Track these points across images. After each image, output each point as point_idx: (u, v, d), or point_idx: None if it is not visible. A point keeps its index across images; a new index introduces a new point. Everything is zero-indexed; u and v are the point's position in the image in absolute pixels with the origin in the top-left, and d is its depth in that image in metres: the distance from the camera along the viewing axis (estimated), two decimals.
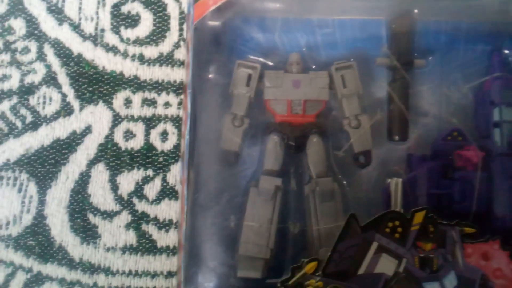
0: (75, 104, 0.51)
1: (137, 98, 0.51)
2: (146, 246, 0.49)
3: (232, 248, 0.41)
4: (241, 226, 0.41)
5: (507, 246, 0.37)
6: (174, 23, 0.52)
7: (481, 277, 0.37)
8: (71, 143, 0.51)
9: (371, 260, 0.37)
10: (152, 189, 0.50)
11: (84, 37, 0.52)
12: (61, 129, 0.51)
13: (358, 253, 0.37)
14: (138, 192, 0.50)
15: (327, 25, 0.47)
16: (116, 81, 0.52)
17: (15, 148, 0.51)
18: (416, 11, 0.45)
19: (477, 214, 0.40)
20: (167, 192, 0.50)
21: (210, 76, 0.44)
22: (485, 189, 0.40)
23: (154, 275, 0.49)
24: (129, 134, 0.51)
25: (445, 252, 0.37)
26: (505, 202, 0.40)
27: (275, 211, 0.42)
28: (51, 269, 0.49)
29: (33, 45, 0.52)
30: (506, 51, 0.45)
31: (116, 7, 0.52)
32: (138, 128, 0.51)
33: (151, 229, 0.50)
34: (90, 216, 0.50)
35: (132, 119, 0.51)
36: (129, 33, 0.52)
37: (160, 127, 0.51)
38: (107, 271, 0.49)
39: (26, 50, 0.52)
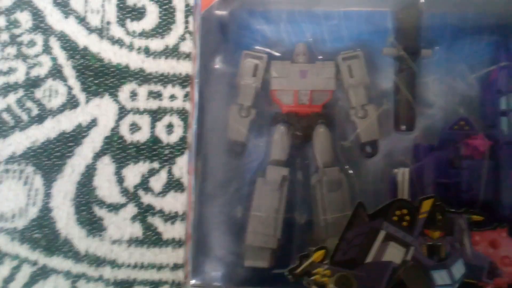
0: (81, 97, 0.52)
1: (142, 91, 0.51)
2: (152, 238, 0.49)
3: (240, 237, 0.41)
4: (248, 216, 0.42)
5: None
6: (179, 16, 0.52)
7: (489, 265, 0.37)
8: (77, 136, 0.51)
9: (379, 248, 0.37)
10: (158, 182, 0.50)
11: (90, 30, 0.52)
12: (67, 122, 0.51)
13: (365, 241, 0.37)
14: (144, 184, 0.50)
15: (333, 17, 0.47)
16: (122, 74, 0.52)
17: (21, 141, 0.51)
18: (422, 1, 0.45)
19: (484, 203, 0.40)
20: (173, 185, 0.50)
21: (216, 66, 0.44)
22: (493, 178, 0.40)
23: (160, 268, 0.49)
24: (134, 127, 0.51)
25: (453, 240, 0.37)
26: None
27: (281, 201, 0.42)
28: (57, 262, 0.49)
29: (39, 38, 0.53)
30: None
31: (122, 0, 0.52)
32: (144, 121, 0.51)
33: (157, 221, 0.50)
34: (96, 209, 0.50)
35: (137, 111, 0.51)
36: (135, 26, 0.52)
37: (166, 119, 0.51)
38: (113, 264, 0.49)
39: (32, 43, 0.52)
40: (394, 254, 0.37)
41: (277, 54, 0.45)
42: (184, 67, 0.52)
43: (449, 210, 0.38)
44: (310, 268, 0.37)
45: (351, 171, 0.44)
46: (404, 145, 0.45)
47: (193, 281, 0.39)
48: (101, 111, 0.51)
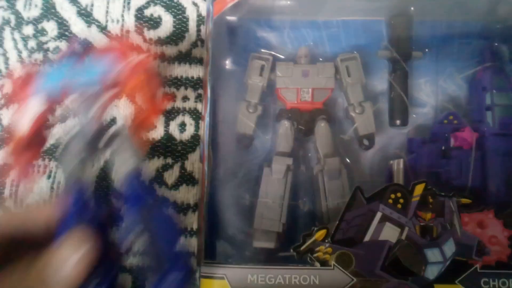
0: None
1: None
2: None
3: (248, 220, 0.44)
4: (256, 202, 0.45)
5: (501, 215, 0.41)
6: (192, 25, 0.57)
7: (477, 244, 0.40)
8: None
9: (376, 229, 0.40)
10: (171, 176, 0.54)
11: (111, 37, 0.57)
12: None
13: (363, 222, 0.40)
14: (158, 178, 0.54)
15: (332, 25, 0.52)
16: None
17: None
18: (412, 9, 0.50)
19: (472, 189, 0.43)
20: (185, 178, 0.54)
21: (227, 66, 0.48)
22: (480, 166, 0.44)
23: None
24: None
25: (444, 221, 0.40)
26: (498, 177, 0.43)
27: (286, 189, 0.46)
28: None
29: (63, 46, 0.57)
30: (496, 44, 0.49)
31: (139, 10, 0.57)
32: (159, 120, 0.56)
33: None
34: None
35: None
36: (152, 34, 0.57)
37: (179, 119, 0.55)
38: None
39: (57, 49, 0.57)
40: (390, 233, 0.40)
41: (281, 56, 0.50)
42: (196, 71, 0.56)
43: (439, 194, 0.41)
44: (313, 246, 0.40)
45: (349, 161, 0.47)
46: (399, 140, 0.49)
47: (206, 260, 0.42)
48: (120, 111, 0.56)
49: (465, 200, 0.41)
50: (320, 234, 0.40)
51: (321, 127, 0.47)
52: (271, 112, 0.49)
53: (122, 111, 0.56)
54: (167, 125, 0.55)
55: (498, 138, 0.44)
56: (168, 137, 0.55)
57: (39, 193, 0.54)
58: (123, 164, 0.36)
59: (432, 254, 0.40)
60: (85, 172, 0.36)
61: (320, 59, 0.49)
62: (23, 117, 0.36)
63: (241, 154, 0.47)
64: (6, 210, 0.52)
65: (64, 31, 0.58)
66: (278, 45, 0.51)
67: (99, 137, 0.36)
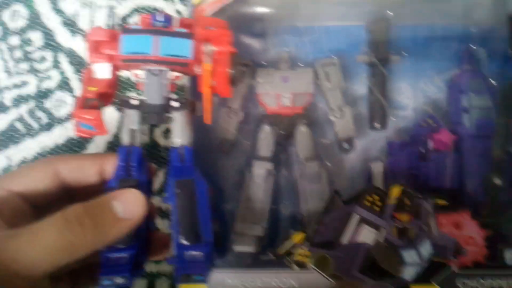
0: None
1: None
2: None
3: (230, 225, 0.45)
4: (238, 207, 0.46)
5: (477, 216, 0.41)
6: None
7: (454, 245, 0.40)
8: (82, 141, 0.56)
9: (354, 231, 0.41)
10: (156, 181, 0.55)
11: None
12: (73, 129, 0.56)
13: (341, 224, 0.41)
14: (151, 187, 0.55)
15: (314, 31, 0.52)
16: (123, 85, 0.57)
17: (32, 147, 0.56)
18: (391, 14, 0.50)
19: (450, 191, 0.44)
20: None
21: None
22: (457, 168, 0.45)
23: (158, 261, 0.53)
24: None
25: (421, 223, 0.41)
26: (475, 178, 0.44)
27: (267, 193, 0.46)
28: None
29: (49, 55, 0.58)
30: (474, 47, 0.49)
31: (124, 19, 0.58)
32: (144, 127, 0.56)
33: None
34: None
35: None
36: None
37: (163, 125, 0.56)
38: None
39: (43, 59, 0.58)
40: (367, 236, 0.41)
41: (263, 62, 0.50)
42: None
43: (416, 196, 0.41)
44: (291, 249, 0.41)
45: (329, 165, 0.48)
46: (380, 143, 0.50)
47: None
48: (105, 118, 0.56)
49: (441, 202, 0.41)
50: (299, 237, 0.41)
51: (302, 132, 0.48)
52: (252, 117, 0.49)
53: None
54: (151, 131, 0.56)
55: (474, 140, 0.45)
56: (153, 143, 0.56)
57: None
58: (179, 136, 0.38)
59: (409, 256, 0.40)
60: (138, 138, 0.38)
61: (301, 64, 0.50)
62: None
63: (222, 159, 0.48)
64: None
65: (50, 41, 0.58)
66: (260, 51, 0.51)
67: (165, 107, 0.38)
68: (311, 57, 0.51)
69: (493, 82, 0.48)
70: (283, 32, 0.52)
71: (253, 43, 0.52)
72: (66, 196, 0.38)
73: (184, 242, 0.37)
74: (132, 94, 0.56)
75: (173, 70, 0.38)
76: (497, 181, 0.42)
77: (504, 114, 0.43)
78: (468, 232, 0.41)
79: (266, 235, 0.45)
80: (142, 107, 0.38)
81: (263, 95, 0.48)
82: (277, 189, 0.48)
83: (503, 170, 0.43)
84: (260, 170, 0.46)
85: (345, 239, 0.41)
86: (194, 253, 0.36)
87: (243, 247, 0.44)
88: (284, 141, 0.48)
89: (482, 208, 0.43)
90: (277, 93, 0.48)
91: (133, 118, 0.38)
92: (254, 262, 0.43)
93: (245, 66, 0.48)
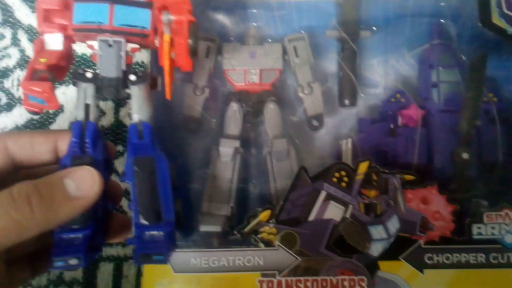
0: None
1: None
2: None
3: (197, 204, 0.44)
4: (205, 186, 0.44)
5: (444, 191, 0.41)
6: None
7: (421, 220, 0.40)
8: (44, 122, 0.54)
9: (320, 208, 0.40)
10: (122, 163, 0.53)
11: None
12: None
13: (308, 201, 0.40)
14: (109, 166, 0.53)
15: (285, 7, 0.51)
16: (87, 63, 0.54)
17: None
18: None
19: (418, 166, 0.43)
20: None
21: None
22: (425, 143, 0.44)
23: (125, 244, 0.51)
24: (100, 112, 0.54)
25: (388, 198, 0.40)
26: (442, 153, 0.43)
27: (234, 172, 0.45)
28: None
29: (8, 32, 0.55)
30: (442, 21, 0.49)
31: None
32: (108, 107, 0.54)
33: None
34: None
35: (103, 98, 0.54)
36: None
37: (129, 105, 0.54)
38: None
39: (1, 36, 0.55)
40: (334, 212, 0.40)
41: (230, 37, 0.49)
42: (140, 56, 0.55)
43: (383, 171, 0.41)
44: (257, 227, 0.40)
45: (298, 142, 0.47)
46: (352, 121, 0.49)
47: None
48: (67, 98, 0.54)
49: (408, 177, 0.41)
50: (264, 215, 0.40)
51: (270, 109, 0.46)
52: (219, 95, 0.48)
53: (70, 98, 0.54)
54: (117, 111, 0.54)
55: (443, 114, 0.44)
56: (118, 123, 0.54)
57: None
58: (137, 112, 0.37)
59: (376, 231, 0.40)
60: (93, 113, 0.36)
61: (269, 40, 0.49)
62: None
63: (189, 138, 0.46)
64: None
65: (8, 17, 0.55)
66: (228, 26, 0.50)
67: (121, 81, 0.36)
68: (282, 33, 0.50)
69: (463, 56, 0.48)
70: (253, 7, 0.50)
71: (221, 18, 0.50)
72: (21, 176, 0.36)
73: (144, 221, 0.35)
74: None
75: (130, 41, 0.36)
76: (465, 155, 0.42)
77: (472, 88, 0.42)
78: (436, 207, 0.40)
79: (234, 214, 0.44)
80: (97, 80, 0.36)
81: (230, 72, 0.47)
82: (246, 168, 0.47)
83: (470, 144, 0.43)
84: (227, 148, 0.45)
85: (312, 216, 0.40)
86: (154, 233, 0.35)
87: (209, 227, 0.43)
88: (252, 119, 0.47)
89: (449, 182, 0.42)
90: (244, 69, 0.46)
91: (87, 92, 0.36)
92: (222, 241, 0.42)
93: (211, 41, 0.47)
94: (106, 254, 0.52)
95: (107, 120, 0.54)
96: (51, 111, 0.54)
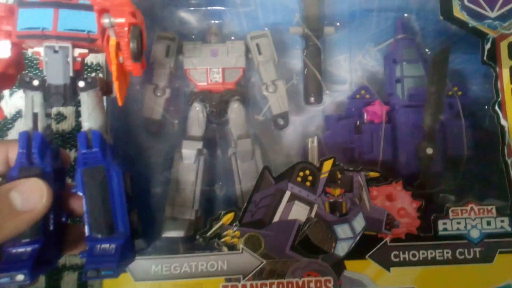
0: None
1: None
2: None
3: (160, 210, 0.42)
4: (168, 190, 0.43)
5: (409, 187, 0.40)
6: None
7: (387, 217, 0.40)
8: (2, 128, 0.52)
9: (285, 208, 0.39)
10: None
11: None
12: None
13: (272, 202, 0.39)
14: (71, 172, 0.51)
15: (249, 4, 0.50)
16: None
17: None
18: None
19: (384, 162, 0.43)
20: None
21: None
22: (390, 139, 0.44)
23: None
24: (60, 117, 0.52)
25: (353, 196, 0.40)
26: (407, 149, 0.43)
27: (198, 174, 0.44)
28: None
29: None
30: (406, 15, 0.48)
31: None
32: (70, 111, 0.52)
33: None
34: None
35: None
36: None
37: None
38: None
39: None
40: (299, 212, 0.39)
41: (192, 36, 0.47)
42: (97, 57, 0.53)
43: (348, 169, 0.40)
44: (220, 230, 0.39)
45: (264, 142, 0.46)
46: (318, 119, 0.48)
47: None
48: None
49: (373, 174, 0.40)
50: (227, 217, 0.39)
51: (234, 108, 0.45)
52: (181, 95, 0.47)
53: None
54: (78, 115, 0.52)
55: (407, 109, 0.44)
56: (80, 128, 0.52)
57: None
58: (86, 119, 0.35)
59: (342, 230, 0.39)
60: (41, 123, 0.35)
61: (232, 38, 0.48)
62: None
63: (150, 141, 0.45)
64: None
65: None
66: (191, 24, 0.48)
67: (70, 88, 0.35)
68: (247, 31, 0.49)
69: (427, 51, 0.47)
70: (217, 3, 0.49)
71: (185, 15, 0.49)
72: None
73: (96, 234, 0.34)
74: None
75: (78, 46, 0.35)
76: (429, 150, 0.42)
77: (435, 82, 0.42)
78: (401, 203, 0.40)
79: (201, 218, 0.43)
80: (44, 88, 0.34)
81: (191, 71, 0.45)
82: (212, 170, 0.46)
83: (434, 139, 0.42)
84: (190, 150, 0.43)
85: (276, 217, 0.39)
86: (105, 246, 0.33)
87: (172, 232, 0.41)
88: (216, 119, 0.46)
89: (415, 178, 0.42)
90: (206, 68, 0.45)
91: (35, 100, 0.34)
92: (187, 247, 0.41)
93: (170, 39, 0.45)
94: (70, 263, 0.50)
95: (67, 124, 0.52)
96: (8, 116, 0.52)
